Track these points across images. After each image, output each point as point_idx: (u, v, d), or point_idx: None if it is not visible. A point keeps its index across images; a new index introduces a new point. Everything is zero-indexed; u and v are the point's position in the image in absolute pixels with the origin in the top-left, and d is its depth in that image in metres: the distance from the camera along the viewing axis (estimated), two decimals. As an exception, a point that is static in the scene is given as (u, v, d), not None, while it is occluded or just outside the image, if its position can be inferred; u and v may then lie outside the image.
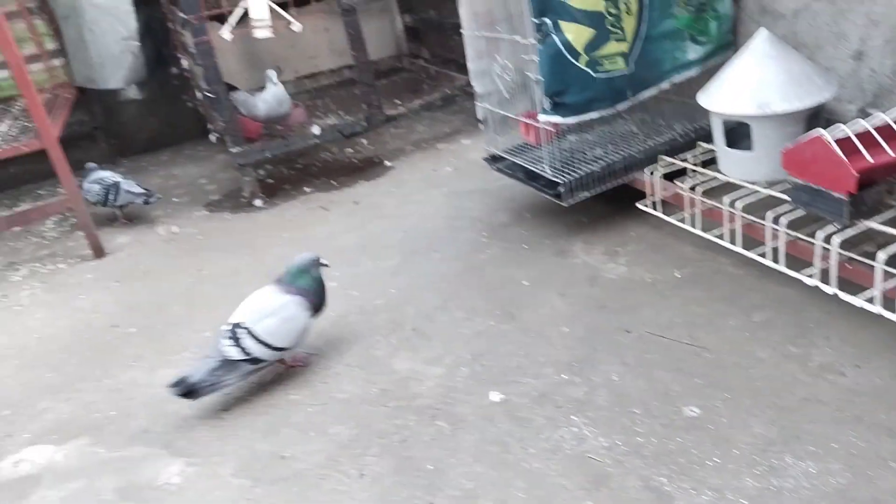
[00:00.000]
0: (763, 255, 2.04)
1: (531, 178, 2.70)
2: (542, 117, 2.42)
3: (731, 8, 2.51)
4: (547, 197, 2.62)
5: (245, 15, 3.31)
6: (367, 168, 3.83)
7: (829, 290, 1.86)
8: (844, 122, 1.80)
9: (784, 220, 1.93)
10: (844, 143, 1.75)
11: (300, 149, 3.74)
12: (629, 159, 2.59)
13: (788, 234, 1.95)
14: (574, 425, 1.81)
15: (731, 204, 2.08)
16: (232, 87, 3.62)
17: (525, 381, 1.99)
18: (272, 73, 3.54)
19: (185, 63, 4.04)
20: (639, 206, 2.49)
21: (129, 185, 3.51)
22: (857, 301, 1.80)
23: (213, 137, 4.02)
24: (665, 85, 2.51)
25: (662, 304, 2.21)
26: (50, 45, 4.23)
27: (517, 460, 1.73)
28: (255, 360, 2.07)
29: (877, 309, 1.76)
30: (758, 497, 1.54)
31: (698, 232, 2.25)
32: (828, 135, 1.76)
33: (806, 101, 2.00)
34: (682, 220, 2.32)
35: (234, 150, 3.41)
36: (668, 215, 2.40)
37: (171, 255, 3.19)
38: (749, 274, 2.26)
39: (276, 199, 3.59)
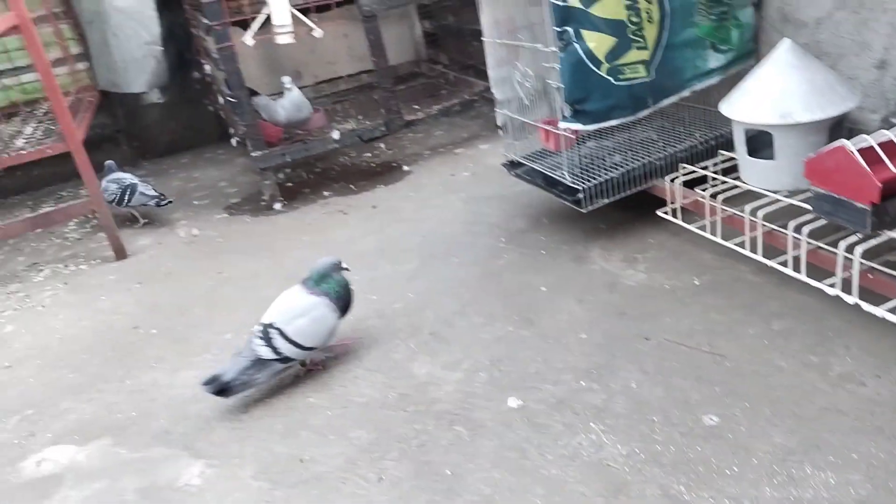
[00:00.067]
0: (784, 264, 2.03)
1: (550, 184, 2.71)
2: (562, 124, 2.43)
3: (752, 17, 2.51)
4: (565, 203, 2.63)
5: (267, 21, 3.34)
6: (386, 172, 3.85)
7: (851, 299, 1.85)
8: (868, 132, 1.80)
9: (806, 230, 1.93)
10: (867, 152, 1.74)
11: (319, 153, 3.76)
12: (648, 166, 2.59)
13: (810, 243, 1.94)
14: (592, 432, 1.81)
15: (753, 213, 2.08)
16: (253, 92, 3.65)
17: (543, 387, 1.99)
18: (286, 80, 3.56)
19: (207, 68, 4.08)
20: (659, 213, 2.49)
21: (145, 188, 3.56)
22: (878, 311, 1.79)
23: (234, 141, 4.05)
24: (686, 93, 2.51)
25: (682, 312, 2.21)
26: (74, 49, 4.29)
27: (535, 467, 1.74)
28: (285, 360, 2.12)
29: (899, 319, 1.75)
30: (777, 507, 1.54)
31: (719, 240, 2.25)
32: (851, 145, 1.75)
33: (829, 110, 2.00)
34: (703, 228, 2.32)
35: (255, 154, 3.44)
36: (687, 223, 2.40)
37: (192, 257, 3.22)
38: (768, 282, 2.25)
39: (296, 202, 3.62)
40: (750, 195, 2.24)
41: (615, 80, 2.34)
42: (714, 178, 2.36)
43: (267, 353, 2.10)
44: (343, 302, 2.22)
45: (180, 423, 2.11)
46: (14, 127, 3.82)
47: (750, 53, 2.57)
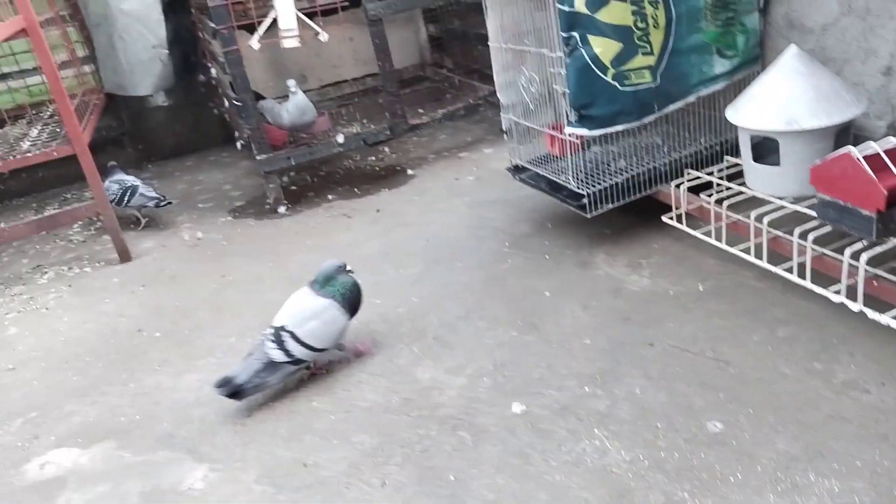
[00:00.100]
0: (789, 271, 2.02)
1: (554, 188, 2.71)
2: (568, 129, 2.43)
3: (758, 22, 2.51)
4: (570, 208, 2.63)
5: (273, 24, 3.35)
6: (390, 176, 3.85)
7: (856, 307, 1.84)
8: (874, 139, 1.80)
9: (811, 237, 1.92)
10: (873, 159, 1.74)
11: (324, 157, 3.77)
12: (653, 171, 2.59)
13: (815, 249, 1.94)
14: (596, 438, 1.80)
15: (758, 219, 2.07)
16: (258, 96, 3.66)
17: (547, 392, 1.99)
18: (291, 83, 3.57)
19: (213, 71, 4.09)
20: (664, 219, 2.49)
21: (146, 189, 3.59)
22: (883, 318, 1.78)
23: (238, 144, 4.07)
24: (692, 98, 2.51)
25: (686, 317, 2.21)
26: (81, 51, 4.31)
27: (539, 472, 1.73)
28: (297, 362, 2.14)
29: (904, 327, 1.75)
30: (782, 515, 1.54)
31: (724, 246, 2.24)
32: (857, 151, 1.75)
33: (835, 117, 1.99)
34: (708, 234, 2.32)
35: (260, 157, 3.45)
36: (692, 228, 2.40)
37: (196, 260, 3.23)
38: (772, 288, 2.25)
39: (300, 206, 3.63)
40: (755, 201, 2.24)
41: (621, 86, 2.34)
42: (719, 184, 2.35)
43: (279, 355, 2.12)
44: (351, 303, 2.23)
45: (184, 426, 2.12)
46: (20, 129, 3.83)
47: (755, 59, 2.56)
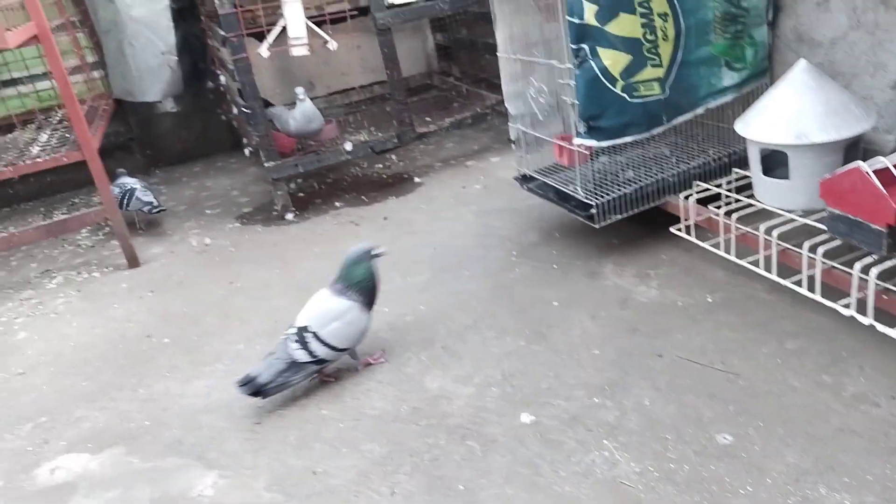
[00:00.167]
0: (799, 284, 2.03)
1: (562, 198, 2.72)
2: (576, 140, 2.44)
3: (767, 35, 2.52)
4: (578, 218, 2.64)
5: (282, 32, 3.37)
6: (397, 184, 3.86)
7: (866, 320, 1.85)
8: (883, 153, 1.81)
9: (821, 250, 1.93)
10: (883, 174, 1.75)
11: (331, 164, 3.78)
12: (662, 182, 2.60)
13: (825, 263, 1.95)
14: (606, 449, 1.81)
15: (768, 231, 2.08)
16: (267, 103, 3.68)
17: (556, 402, 2.00)
18: (300, 91, 3.59)
19: (222, 78, 4.12)
20: (673, 230, 2.50)
21: (143, 194, 3.60)
22: (894, 332, 1.79)
23: (247, 151, 4.08)
24: (700, 110, 2.52)
25: (694, 329, 2.21)
26: (90, 57, 4.33)
27: (548, 483, 1.74)
28: (320, 362, 2.17)
29: (914, 341, 1.76)
30: (792, 528, 1.54)
31: (733, 258, 2.25)
32: (866, 166, 1.76)
33: (844, 131, 2.00)
34: (717, 246, 2.32)
35: (268, 164, 3.47)
36: (700, 240, 2.40)
37: (204, 266, 3.24)
38: (781, 300, 2.25)
39: (308, 213, 3.64)
40: (763, 213, 2.25)
41: (630, 98, 2.36)
42: (728, 196, 2.36)
43: (303, 355, 2.14)
44: (369, 296, 2.25)
45: (193, 432, 2.12)
46: (29, 134, 3.85)
47: (764, 72, 2.58)
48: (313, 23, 3.42)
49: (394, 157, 4.25)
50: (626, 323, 2.30)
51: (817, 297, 1.97)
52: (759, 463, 1.70)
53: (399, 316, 2.54)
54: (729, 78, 2.52)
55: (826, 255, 1.95)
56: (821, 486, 1.62)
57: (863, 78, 2.28)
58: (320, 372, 2.23)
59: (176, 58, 4.11)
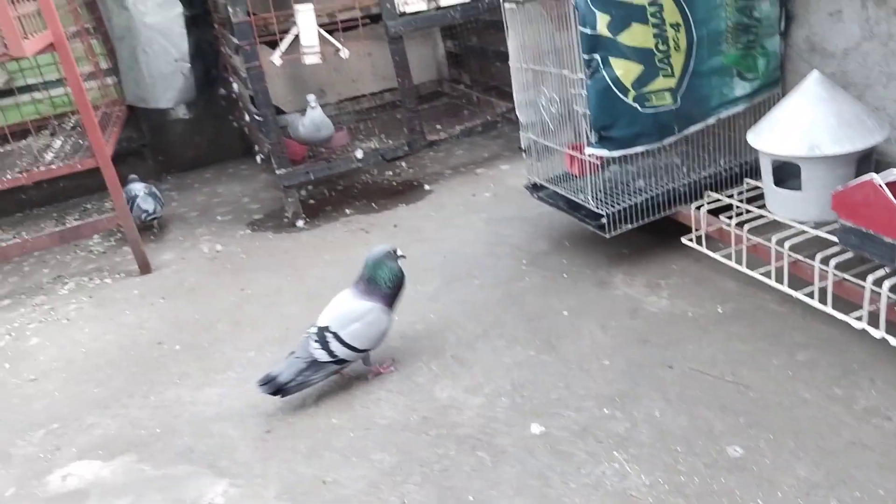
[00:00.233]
0: (810, 296, 2.02)
1: (573, 207, 2.72)
2: (588, 150, 2.44)
3: (779, 45, 2.52)
4: (588, 227, 2.64)
5: (295, 40, 3.39)
6: (407, 191, 3.87)
7: (878, 333, 1.84)
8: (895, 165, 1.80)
9: (833, 262, 1.92)
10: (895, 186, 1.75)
11: (342, 171, 3.80)
12: (672, 192, 2.60)
13: (836, 275, 1.94)
14: (616, 461, 1.81)
15: (780, 243, 2.08)
16: (279, 110, 3.70)
17: (566, 413, 2.00)
18: (311, 98, 3.61)
19: (234, 86, 4.14)
20: (684, 240, 2.49)
21: (144, 201, 3.63)
22: (906, 346, 1.78)
23: (258, 158, 4.10)
24: (712, 121, 2.51)
25: (705, 340, 2.21)
26: (104, 63, 4.37)
27: (559, 495, 1.74)
28: (340, 362, 2.19)
29: (927, 355, 1.75)
30: (803, 543, 1.53)
31: (744, 269, 2.25)
32: (879, 178, 1.75)
33: (857, 143, 2.00)
34: (728, 256, 2.32)
35: (280, 171, 3.48)
36: (711, 250, 2.40)
37: (215, 272, 3.26)
38: (792, 311, 2.24)
39: (318, 220, 3.65)
40: (774, 224, 2.24)
41: (641, 108, 2.36)
42: (739, 207, 2.36)
43: (323, 355, 2.17)
44: (393, 295, 2.27)
45: (204, 440, 2.13)
46: (43, 140, 3.88)
47: (776, 82, 2.57)
48: (325, 31, 3.44)
49: (404, 164, 4.26)
50: (637, 333, 2.30)
51: (829, 309, 1.96)
52: (769, 476, 1.69)
53: (409, 324, 2.54)
54: (741, 88, 2.51)
55: (838, 267, 1.94)
56: (832, 500, 1.61)
57: (876, 89, 2.28)
58: (339, 370, 2.25)
59: (189, 65, 4.14)
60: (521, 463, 1.85)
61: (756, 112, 2.55)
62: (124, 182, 3.53)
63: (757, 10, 2.44)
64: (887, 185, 1.75)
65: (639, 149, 2.45)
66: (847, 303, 1.97)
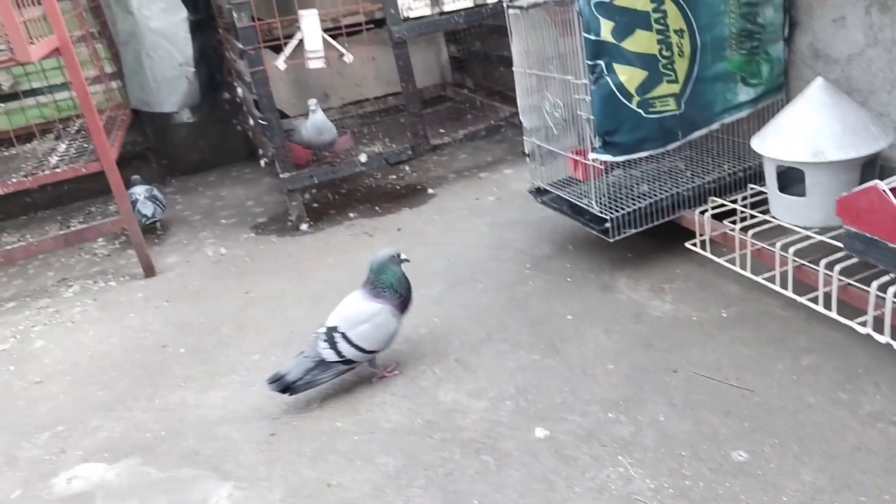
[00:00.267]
0: (814, 301, 2.03)
1: (576, 212, 2.73)
2: (592, 155, 2.45)
3: (783, 51, 2.53)
4: (592, 231, 2.64)
5: (299, 45, 3.40)
6: (411, 195, 3.88)
7: (883, 339, 1.85)
8: (900, 171, 1.81)
9: (837, 268, 1.93)
10: (900, 192, 1.75)
11: (345, 175, 3.81)
12: (676, 197, 2.60)
13: (841, 280, 1.94)
14: (620, 465, 1.81)
15: (784, 248, 2.08)
16: (282, 114, 3.71)
17: (570, 417, 2.00)
18: (312, 102, 3.62)
19: (239, 90, 4.15)
20: (688, 245, 2.50)
21: (143, 206, 3.64)
22: (910, 351, 1.79)
23: (262, 162, 4.11)
24: (715, 126, 2.53)
25: (709, 344, 2.21)
26: (108, 68, 4.38)
27: (563, 499, 1.74)
28: (347, 362, 2.20)
29: (931, 360, 1.75)
30: (808, 547, 1.53)
31: (749, 274, 2.25)
32: (883, 185, 1.76)
33: (861, 149, 2.01)
34: (732, 261, 2.32)
35: (284, 175, 3.49)
36: (715, 254, 2.41)
37: (220, 276, 3.26)
38: (796, 316, 2.25)
39: (322, 223, 3.66)
40: (779, 229, 2.25)
41: (645, 113, 2.37)
42: (743, 212, 2.36)
43: (331, 355, 2.18)
44: (404, 299, 2.28)
45: (208, 443, 2.14)
46: (48, 144, 3.90)
47: (779, 87, 2.58)
48: (329, 35, 3.45)
49: (407, 168, 4.27)
50: (641, 337, 2.30)
51: (833, 314, 1.97)
52: (774, 481, 1.70)
53: (413, 328, 2.54)
54: (744, 94, 2.52)
55: (842, 272, 1.95)
56: (837, 505, 1.61)
57: (880, 95, 2.29)
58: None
59: (193, 69, 4.16)
60: (525, 467, 1.86)
61: (760, 117, 2.56)
62: (127, 183, 3.54)
63: (761, 16, 2.45)
64: (892, 190, 1.76)
65: (643, 154, 2.46)
66: (851, 308, 1.98)
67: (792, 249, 2.07)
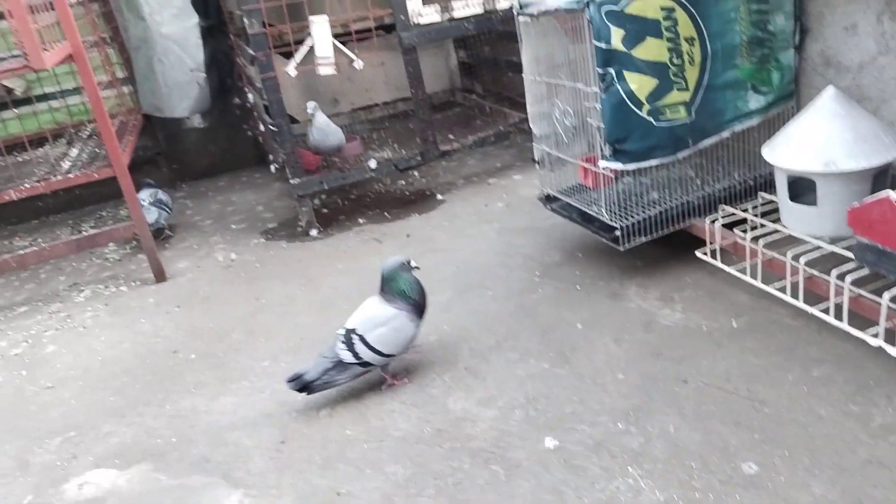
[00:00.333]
0: (825, 311, 2.02)
1: (586, 219, 2.72)
2: (602, 163, 2.45)
3: (793, 59, 2.52)
4: (602, 239, 2.64)
5: (309, 51, 3.41)
6: (420, 201, 3.89)
7: (894, 351, 1.83)
8: (913, 182, 1.80)
9: (849, 279, 1.92)
10: (913, 203, 1.74)
11: (355, 181, 3.82)
12: (687, 205, 2.60)
13: (852, 291, 1.94)
14: (630, 477, 1.81)
15: (795, 258, 2.07)
16: (293, 119, 3.73)
17: (580, 428, 2.00)
18: (310, 106, 3.62)
19: (249, 96, 4.17)
20: (698, 254, 2.49)
21: (147, 212, 3.65)
22: (922, 363, 1.78)
23: (273, 167, 4.13)
24: (726, 134, 2.52)
25: (719, 354, 2.20)
26: (120, 73, 4.41)
27: (573, 510, 1.74)
28: (365, 364, 2.23)
29: (943, 372, 1.74)
30: (819, 561, 1.53)
31: (759, 284, 2.24)
32: (896, 195, 1.75)
33: (873, 159, 2.00)
34: (742, 271, 2.32)
35: (294, 181, 3.50)
36: (725, 263, 2.40)
37: (230, 281, 3.28)
38: (807, 326, 2.24)
39: (331, 229, 3.67)
40: (789, 239, 2.24)
41: (656, 121, 2.36)
42: (754, 222, 2.36)
43: (348, 356, 2.22)
44: (418, 304, 2.29)
45: (219, 450, 2.14)
46: (60, 149, 3.92)
47: (790, 95, 2.57)
48: (339, 41, 3.46)
49: (416, 173, 4.28)
50: (651, 347, 2.30)
51: (844, 325, 1.96)
52: (784, 494, 1.69)
53: (422, 335, 2.54)
54: (755, 101, 2.52)
55: (854, 283, 1.94)
56: (848, 519, 1.61)
57: (891, 103, 2.27)
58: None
59: (204, 74, 4.18)
60: (535, 477, 1.85)
61: (770, 125, 2.55)
62: (138, 187, 3.56)
63: (771, 23, 2.45)
64: (904, 201, 1.75)
65: (653, 162, 2.45)
66: (863, 319, 1.97)
67: (803, 259, 2.07)
